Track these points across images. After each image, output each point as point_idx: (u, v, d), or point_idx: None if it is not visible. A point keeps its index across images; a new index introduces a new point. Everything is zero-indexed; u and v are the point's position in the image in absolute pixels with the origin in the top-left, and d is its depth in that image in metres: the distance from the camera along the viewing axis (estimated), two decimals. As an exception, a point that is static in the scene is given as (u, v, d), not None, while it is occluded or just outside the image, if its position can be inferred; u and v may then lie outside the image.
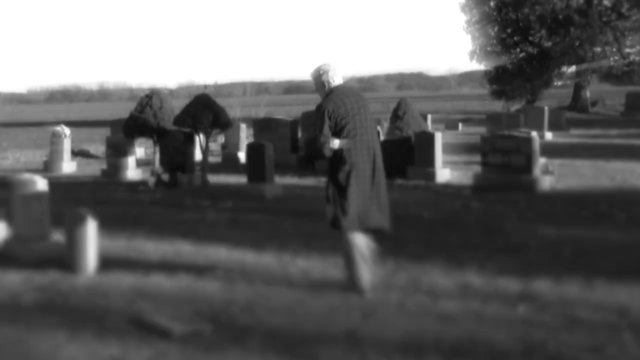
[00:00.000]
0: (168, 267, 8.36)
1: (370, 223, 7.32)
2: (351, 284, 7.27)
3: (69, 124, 24.84)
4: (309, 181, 16.02)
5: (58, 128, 21.16)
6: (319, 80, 7.49)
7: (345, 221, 7.20)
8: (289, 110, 47.34)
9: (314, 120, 7.51)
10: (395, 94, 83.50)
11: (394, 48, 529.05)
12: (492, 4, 49.93)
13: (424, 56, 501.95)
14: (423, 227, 10.53)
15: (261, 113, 36.81)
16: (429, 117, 29.99)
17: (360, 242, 7.26)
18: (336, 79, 7.44)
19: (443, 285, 7.41)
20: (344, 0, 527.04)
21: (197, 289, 7.46)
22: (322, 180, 15.90)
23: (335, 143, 7.16)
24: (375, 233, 7.48)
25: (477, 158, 15.36)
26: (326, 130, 7.16)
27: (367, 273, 7.23)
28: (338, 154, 7.19)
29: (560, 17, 46.17)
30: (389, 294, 7.10)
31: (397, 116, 17.43)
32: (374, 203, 7.31)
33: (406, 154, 16.34)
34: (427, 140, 16.06)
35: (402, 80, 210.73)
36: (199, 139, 16.57)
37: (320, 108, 7.29)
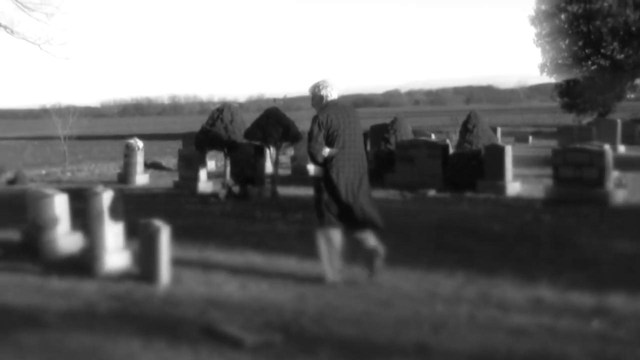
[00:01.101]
0: (239, 277, 8.44)
1: (355, 224, 8.09)
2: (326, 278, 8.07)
3: (141, 137, 25.26)
4: (379, 193, 15.97)
5: (131, 141, 21.52)
6: (317, 94, 8.27)
7: (326, 219, 8.01)
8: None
9: (310, 129, 8.12)
10: (464, 107, 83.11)
11: (463, 61, 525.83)
12: (563, 17, 49.31)
13: (493, 69, 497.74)
14: (493, 240, 10.42)
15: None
16: (499, 130, 29.76)
17: (335, 238, 8.08)
18: (332, 94, 8.25)
19: (514, 298, 7.32)
20: (413, 15, 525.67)
21: (267, 300, 7.51)
22: (391, 193, 15.95)
23: (326, 151, 7.95)
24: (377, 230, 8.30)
25: (548, 171, 15.16)
26: (320, 138, 7.94)
27: (335, 267, 8.09)
28: (329, 163, 7.97)
29: (633, 29, 45.45)
30: (459, 307, 7.05)
31: (466, 129, 17.28)
32: (358, 207, 8.04)
33: (476, 167, 16.22)
34: (497, 153, 15.91)
35: (471, 93, 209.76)
36: (269, 152, 16.70)
37: (316, 119, 8.02)
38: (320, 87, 8.26)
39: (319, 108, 8.21)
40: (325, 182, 8.04)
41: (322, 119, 7.96)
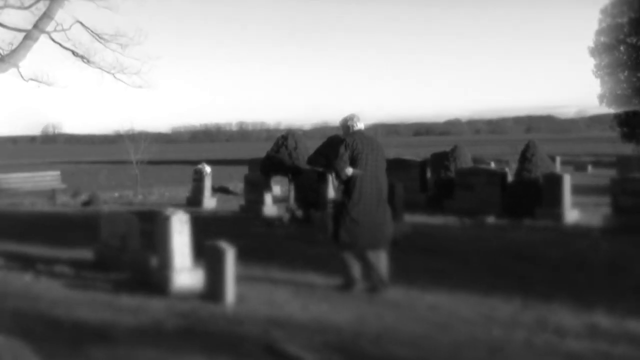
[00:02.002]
0: (300, 298, 8.47)
1: (369, 243, 8.80)
2: (346, 283, 8.98)
3: (210, 162, 25.48)
4: (438, 220, 15.92)
5: (200, 166, 21.75)
6: (345, 125, 9.33)
7: (345, 238, 8.82)
8: (418, 151, 47.25)
9: (337, 151, 9.18)
10: (524, 137, 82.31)
11: (524, 91, 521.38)
12: (622, 48, 48.63)
13: (553, 99, 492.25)
14: (551, 267, 10.29)
15: (391, 154, 36.88)
16: (558, 159, 29.43)
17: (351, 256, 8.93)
18: (358, 125, 9.26)
19: (570, 324, 7.21)
20: (473, 46, 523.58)
21: (327, 320, 7.51)
22: (450, 219, 15.85)
23: (349, 170, 8.83)
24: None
25: (607, 200, 14.92)
26: (345, 157, 8.89)
27: (357, 273, 8.96)
28: (351, 182, 8.83)
29: (693, 61, 44.59)
30: (516, 332, 6.97)
31: (525, 158, 17.12)
32: (375, 227, 8.81)
33: (534, 194, 16.04)
34: (555, 181, 15.72)
35: (531, 123, 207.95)
36: (331, 178, 16.73)
37: (343, 141, 9.10)
38: (348, 119, 9.32)
39: (346, 135, 9.27)
40: (345, 200, 8.91)
41: (349, 141, 9.00)
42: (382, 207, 8.98)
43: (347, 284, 9.00)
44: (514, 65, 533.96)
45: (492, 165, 24.89)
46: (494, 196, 16.80)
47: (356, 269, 8.98)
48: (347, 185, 8.92)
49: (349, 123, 9.27)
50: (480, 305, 8.03)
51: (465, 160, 19.43)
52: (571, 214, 15.57)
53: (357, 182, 8.81)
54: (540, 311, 7.72)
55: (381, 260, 8.84)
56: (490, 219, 15.60)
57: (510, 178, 17.96)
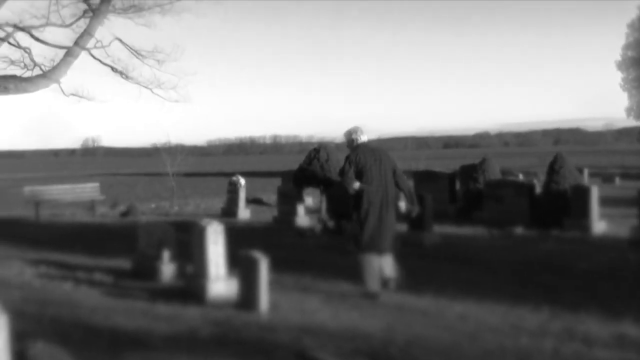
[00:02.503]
0: (331, 306, 8.47)
1: (380, 247, 9.07)
2: (365, 291, 8.99)
3: (244, 174, 25.61)
4: (467, 230, 15.84)
5: (234, 178, 21.85)
6: (350, 138, 9.50)
7: (362, 243, 9.04)
8: (447, 164, 47.08)
9: (342, 166, 9.46)
10: (551, 149, 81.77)
11: (552, 104, 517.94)
12: (649, 61, 48.24)
13: (581, 112, 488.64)
14: (579, 278, 10.18)
15: (421, 166, 36.81)
16: (586, 171, 29.16)
17: (372, 259, 9.06)
18: (362, 138, 9.45)
19: (598, 334, 7.13)
20: (502, 59, 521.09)
21: (358, 328, 7.49)
22: (478, 230, 15.76)
23: (357, 184, 9.05)
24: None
25: (635, 212, 14.75)
26: (351, 173, 9.10)
27: (375, 282, 9.00)
28: (359, 194, 9.05)
29: None
30: (544, 341, 6.91)
31: (553, 170, 16.99)
32: (383, 232, 9.09)
33: (562, 206, 15.92)
34: (583, 193, 15.58)
35: (559, 135, 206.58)
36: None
37: (348, 157, 9.26)
38: (352, 132, 9.48)
39: (351, 149, 9.39)
40: (357, 211, 9.11)
41: (352, 157, 9.19)
42: (391, 213, 9.27)
43: (369, 292, 9.01)
44: (542, 79, 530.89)
45: (521, 177, 24.73)
46: (522, 207, 16.69)
47: (375, 276, 9.07)
48: (356, 197, 9.15)
49: (353, 136, 9.45)
50: (508, 314, 7.98)
51: (494, 172, 19.33)
52: (599, 226, 15.42)
53: (365, 194, 9.05)
54: (568, 321, 7.65)
55: (388, 262, 9.19)
56: (519, 230, 15.50)
57: (538, 190, 17.83)
